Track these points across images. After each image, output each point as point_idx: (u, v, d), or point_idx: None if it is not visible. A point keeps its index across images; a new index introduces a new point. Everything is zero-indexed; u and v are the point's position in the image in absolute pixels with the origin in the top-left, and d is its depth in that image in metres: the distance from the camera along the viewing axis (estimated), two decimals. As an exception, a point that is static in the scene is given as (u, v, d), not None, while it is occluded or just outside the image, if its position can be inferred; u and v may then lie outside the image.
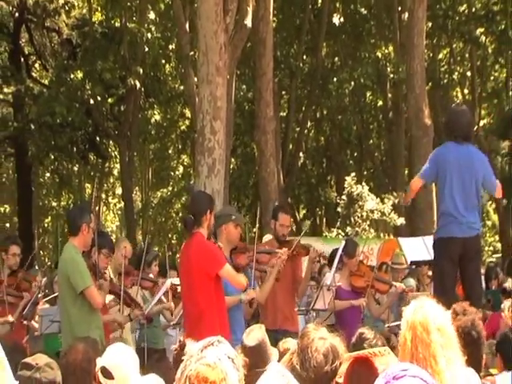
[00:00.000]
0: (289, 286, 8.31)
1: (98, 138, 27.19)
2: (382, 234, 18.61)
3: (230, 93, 13.85)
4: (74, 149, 26.59)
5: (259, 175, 18.15)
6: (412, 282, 9.84)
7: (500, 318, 9.19)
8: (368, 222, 18.31)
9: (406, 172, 25.19)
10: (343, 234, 18.42)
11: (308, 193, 29.88)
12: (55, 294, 9.54)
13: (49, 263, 22.62)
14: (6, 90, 25.45)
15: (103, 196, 39.88)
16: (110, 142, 28.48)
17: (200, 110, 12.72)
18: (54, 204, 38.54)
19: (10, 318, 8.23)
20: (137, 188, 36.67)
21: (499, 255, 30.23)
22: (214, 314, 6.86)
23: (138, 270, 8.56)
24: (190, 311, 7.09)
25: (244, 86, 26.57)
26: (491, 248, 36.31)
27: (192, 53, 17.92)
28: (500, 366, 5.96)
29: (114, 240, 9.05)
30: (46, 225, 40.34)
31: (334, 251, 8.80)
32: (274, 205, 17.33)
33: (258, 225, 8.42)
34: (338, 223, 19.08)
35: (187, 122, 29.64)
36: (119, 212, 40.38)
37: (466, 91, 30.42)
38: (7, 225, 40.32)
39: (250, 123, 23.52)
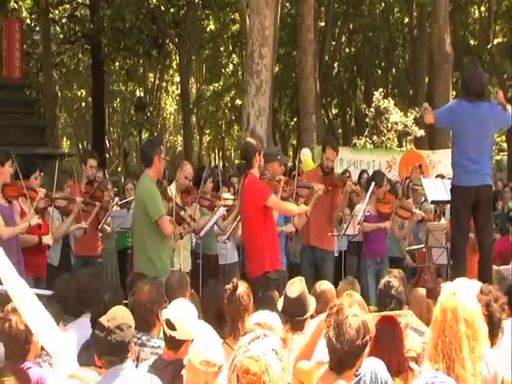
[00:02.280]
0: (327, 211, 8.33)
1: (160, 41, 26.84)
2: (404, 144, 18.39)
3: (276, 22, 13.37)
4: (140, 48, 26.34)
5: (299, 90, 17.94)
6: (430, 205, 9.65)
7: (507, 242, 9.03)
8: (392, 133, 18.12)
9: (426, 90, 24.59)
10: (370, 141, 18.26)
11: (340, 96, 29.58)
12: (126, 200, 9.59)
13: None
14: (84, -6, 25.20)
15: (163, 84, 39.76)
16: (171, 46, 28.11)
17: (250, 36, 12.52)
18: (122, 88, 38.55)
19: (84, 225, 8.20)
20: (192, 79, 36.52)
21: (505, 153, 29.83)
22: (265, 242, 6.84)
23: (198, 188, 8.48)
24: (246, 240, 7.11)
25: (288, 4, 25.74)
26: (497, 147, 35.71)
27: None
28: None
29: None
30: (115, 105, 40.47)
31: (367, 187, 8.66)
32: (312, 118, 17.33)
33: (298, 163, 8.13)
34: (366, 132, 18.85)
35: (237, 27, 29.16)
36: (177, 98, 40.23)
37: (482, 9, 29.32)
38: (83, 104, 40.57)
39: (291, 35, 23.10)
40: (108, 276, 9.29)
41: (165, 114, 43.40)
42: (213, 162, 48.54)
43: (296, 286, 4.87)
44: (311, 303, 4.91)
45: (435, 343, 3.65)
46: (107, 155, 33.95)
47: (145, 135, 34.34)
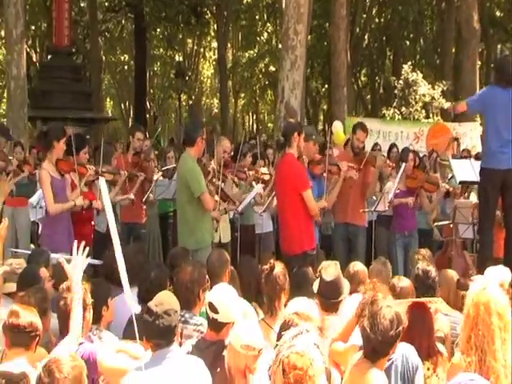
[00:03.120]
0: (359, 188, 8.22)
1: (199, 10, 26.64)
2: (431, 116, 18.11)
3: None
4: (180, 17, 26.18)
5: (331, 63, 17.76)
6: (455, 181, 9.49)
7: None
8: (420, 104, 17.87)
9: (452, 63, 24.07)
10: (399, 112, 18.02)
11: (369, 66, 29.21)
12: (167, 167, 9.58)
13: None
14: (128, -35, 25.00)
15: (201, 50, 39.52)
16: (209, 14, 27.93)
17: (286, 14, 12.38)
18: (163, 53, 38.39)
19: (131, 196, 8.25)
20: (229, 46, 36.28)
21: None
22: (303, 221, 6.82)
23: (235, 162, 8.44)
24: (283, 217, 7.02)
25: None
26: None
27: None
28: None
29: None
30: (155, 69, 40.37)
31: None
32: (343, 91, 17.14)
33: (329, 144, 8.01)
34: (395, 103, 18.58)
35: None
36: (213, 63, 40.02)
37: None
38: (125, 67, 40.54)
39: (324, 7, 22.73)
40: (150, 242, 9.33)
41: (202, 78, 43.19)
42: (247, 125, 48.67)
43: (331, 270, 4.83)
44: (345, 286, 4.86)
45: (468, 337, 3.59)
46: (147, 115, 34.02)
47: (183, 98, 34.37)
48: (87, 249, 4.13)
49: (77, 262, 4.03)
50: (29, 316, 3.80)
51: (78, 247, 4.08)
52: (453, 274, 5.74)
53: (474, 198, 9.10)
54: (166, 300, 3.86)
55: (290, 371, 3.06)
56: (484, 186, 7.03)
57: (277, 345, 3.40)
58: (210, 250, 7.02)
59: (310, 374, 3.08)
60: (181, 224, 7.01)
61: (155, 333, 3.73)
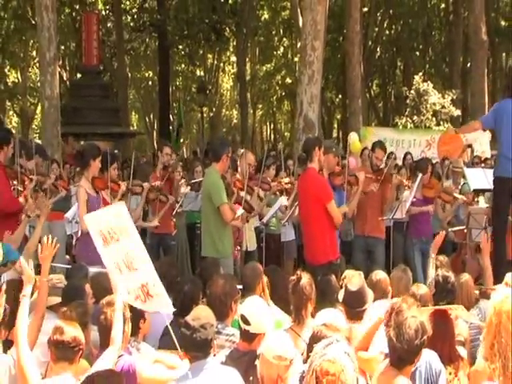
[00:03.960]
0: (378, 203, 8.21)
1: (219, 27, 26.75)
2: (441, 123, 18.02)
3: (325, 15, 13.07)
4: (201, 35, 26.27)
5: (346, 76, 17.76)
6: (468, 187, 9.42)
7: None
8: (431, 112, 17.82)
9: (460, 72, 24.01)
10: (411, 121, 17.99)
11: (381, 76, 29.13)
12: (195, 180, 9.62)
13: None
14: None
15: (221, 65, 39.63)
16: (228, 32, 28.01)
17: (303, 31, 12.31)
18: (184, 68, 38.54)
19: (156, 223, 8.33)
20: (247, 60, 36.39)
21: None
22: (327, 232, 6.82)
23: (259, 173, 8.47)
24: (308, 229, 7.01)
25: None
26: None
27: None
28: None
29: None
30: (177, 83, 40.52)
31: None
32: (358, 102, 17.12)
33: (348, 155, 7.99)
34: (407, 112, 18.55)
35: (287, 13, 28.86)
36: (232, 76, 40.12)
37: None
38: (150, 82, 40.73)
39: (338, 22, 22.71)
40: (179, 251, 9.37)
41: (221, 91, 43.31)
42: (264, 134, 48.72)
43: (356, 280, 4.81)
44: (369, 295, 4.84)
45: (491, 344, 3.54)
46: (171, 127, 34.21)
47: (204, 110, 34.53)
48: None
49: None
50: (72, 331, 3.82)
51: None
52: (468, 279, 5.69)
53: (482, 203, 9.06)
54: (202, 314, 3.88)
55: (323, 377, 3.03)
56: (497, 198, 7.01)
57: (309, 356, 3.39)
58: (231, 259, 7.11)
59: (342, 379, 3.04)
60: (204, 234, 7.08)
61: (193, 346, 3.75)
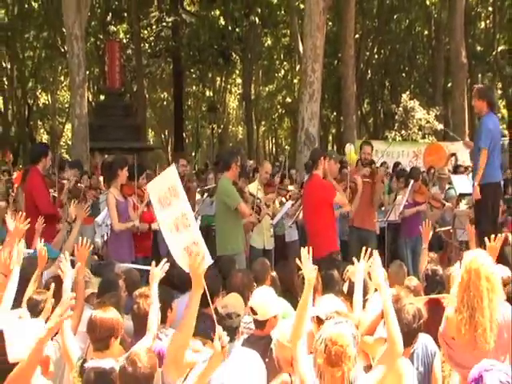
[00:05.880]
0: (369, 197, 8.25)
1: (227, 52, 26.85)
2: (426, 136, 18.08)
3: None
4: (211, 60, 26.36)
5: (342, 95, 17.74)
6: (453, 192, 9.46)
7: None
8: (417, 127, 17.89)
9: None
10: (399, 134, 18.04)
11: (371, 96, 29.21)
12: (208, 187, 9.64)
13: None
14: (167, 19, 25.40)
15: (228, 86, 39.73)
16: (235, 56, 28.13)
17: (304, 55, 12.46)
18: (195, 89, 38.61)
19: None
20: (251, 81, 36.49)
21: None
22: (329, 228, 6.88)
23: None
24: (312, 226, 7.02)
25: (330, 23, 25.39)
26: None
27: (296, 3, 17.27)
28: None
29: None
30: (189, 103, 40.59)
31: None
32: (353, 118, 17.17)
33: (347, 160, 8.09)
34: (396, 127, 18.61)
35: (287, 40, 28.96)
36: (238, 96, 40.20)
37: (488, 22, 28.61)
38: (164, 103, 40.84)
39: (333, 48, 22.77)
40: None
41: (228, 109, 43.40)
42: (267, 148, 48.81)
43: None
44: (371, 287, 4.85)
45: (462, 297, 3.66)
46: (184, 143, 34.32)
47: (213, 127, 34.63)
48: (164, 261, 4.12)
49: (154, 276, 4.07)
50: (109, 315, 3.80)
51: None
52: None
53: (463, 206, 9.08)
54: (231, 303, 3.89)
55: (332, 346, 3.02)
56: (485, 200, 6.96)
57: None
58: (244, 255, 7.13)
59: (348, 352, 3.03)
60: (218, 235, 7.12)
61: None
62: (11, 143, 28.30)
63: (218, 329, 3.38)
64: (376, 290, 4.81)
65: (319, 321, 3.97)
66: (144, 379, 3.09)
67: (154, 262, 4.14)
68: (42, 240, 4.90)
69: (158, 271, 4.08)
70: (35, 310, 4.04)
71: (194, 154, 36.02)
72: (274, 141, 46.82)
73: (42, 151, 7.03)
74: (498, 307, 3.63)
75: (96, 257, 9.39)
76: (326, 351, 3.04)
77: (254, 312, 4.15)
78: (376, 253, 3.74)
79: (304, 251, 3.70)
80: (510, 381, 2.74)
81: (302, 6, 17.09)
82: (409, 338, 3.65)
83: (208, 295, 3.71)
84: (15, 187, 10.66)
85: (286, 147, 42.45)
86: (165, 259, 4.15)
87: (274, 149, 47.15)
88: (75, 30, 12.87)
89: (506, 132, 28.20)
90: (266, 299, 4.22)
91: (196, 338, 4.47)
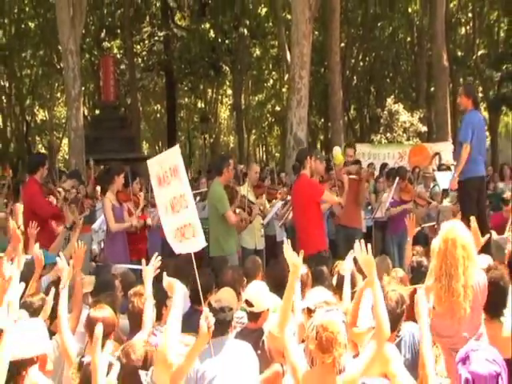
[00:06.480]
0: (355, 195, 8.25)
1: (218, 64, 26.87)
2: (411, 138, 18.14)
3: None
4: (202, 71, 26.36)
5: (329, 101, 17.79)
6: (437, 189, 9.50)
7: (501, 217, 8.78)
8: (402, 129, 17.95)
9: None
10: (384, 137, 18.09)
11: (357, 101, 29.32)
12: (201, 190, 9.63)
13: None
14: (159, 33, 25.42)
15: (219, 97, 39.79)
16: (225, 68, 28.16)
17: (292, 62, 12.48)
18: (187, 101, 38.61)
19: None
20: (241, 91, 36.54)
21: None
22: (318, 227, 6.89)
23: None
24: (301, 225, 7.02)
25: (316, 32, 25.47)
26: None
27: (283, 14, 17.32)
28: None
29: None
30: (182, 115, 40.61)
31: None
32: (340, 123, 17.23)
33: (333, 164, 8.10)
34: (381, 130, 18.66)
35: (276, 51, 29.02)
36: (229, 106, 40.25)
37: (468, 27, 28.78)
38: (158, 115, 40.85)
39: (320, 56, 22.85)
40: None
41: (220, 120, 43.44)
42: (258, 156, 48.87)
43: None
44: (359, 280, 4.87)
45: (440, 266, 3.71)
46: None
47: (205, 137, 34.66)
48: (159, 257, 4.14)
49: (147, 273, 4.08)
50: (103, 313, 3.85)
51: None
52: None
53: (446, 202, 9.11)
54: (224, 298, 3.89)
55: (323, 332, 3.04)
56: (468, 192, 6.96)
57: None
58: (236, 256, 7.15)
59: (339, 339, 3.05)
60: (211, 237, 7.11)
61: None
62: (10, 159, 28.23)
63: (205, 310, 3.37)
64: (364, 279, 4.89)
65: (309, 312, 4.00)
66: (138, 370, 3.09)
67: (144, 260, 4.15)
68: (38, 244, 4.90)
69: (150, 268, 4.09)
70: (28, 311, 4.05)
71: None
72: (264, 148, 46.90)
73: (39, 161, 7.06)
74: (473, 274, 3.68)
75: (94, 263, 9.40)
76: (317, 337, 3.07)
77: (249, 304, 4.16)
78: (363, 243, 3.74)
79: (285, 244, 3.71)
80: (496, 359, 2.76)
81: (288, 17, 17.12)
82: (393, 323, 3.67)
83: (200, 293, 3.74)
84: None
85: (276, 154, 42.52)
86: (156, 253, 4.17)
87: (264, 156, 47.21)
88: (70, 45, 12.89)
89: (488, 133, 28.49)
90: (260, 291, 4.25)
91: (190, 334, 4.50)
